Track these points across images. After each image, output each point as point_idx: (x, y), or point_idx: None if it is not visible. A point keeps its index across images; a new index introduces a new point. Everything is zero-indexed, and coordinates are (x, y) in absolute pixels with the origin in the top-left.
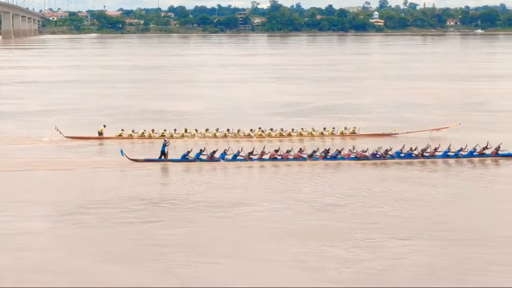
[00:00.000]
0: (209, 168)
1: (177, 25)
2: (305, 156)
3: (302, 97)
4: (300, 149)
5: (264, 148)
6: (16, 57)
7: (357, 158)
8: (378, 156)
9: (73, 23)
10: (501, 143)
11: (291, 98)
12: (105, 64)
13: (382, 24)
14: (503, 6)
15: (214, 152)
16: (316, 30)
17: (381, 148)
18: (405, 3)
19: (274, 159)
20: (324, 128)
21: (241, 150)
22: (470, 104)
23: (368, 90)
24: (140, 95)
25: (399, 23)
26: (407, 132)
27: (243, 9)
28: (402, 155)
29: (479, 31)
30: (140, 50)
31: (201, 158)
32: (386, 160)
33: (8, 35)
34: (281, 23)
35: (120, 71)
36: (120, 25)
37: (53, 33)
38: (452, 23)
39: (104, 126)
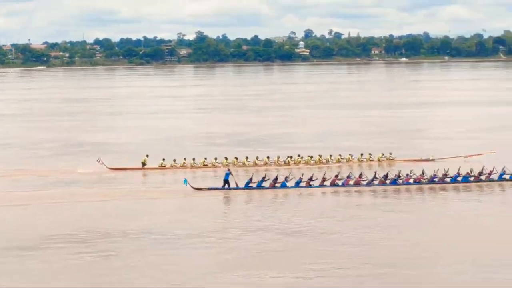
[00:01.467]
0: (272, 196)
1: (103, 57)
2: (365, 181)
3: (242, 127)
4: (360, 174)
5: (324, 174)
6: None
7: (416, 182)
8: (436, 180)
9: None
10: None
11: (232, 128)
12: (34, 97)
13: (307, 53)
14: (426, 35)
15: (276, 179)
16: (242, 60)
17: (438, 171)
18: (330, 33)
19: (335, 185)
20: (361, 154)
21: (302, 176)
22: (409, 131)
23: (305, 119)
24: (77, 128)
25: (324, 52)
26: (443, 158)
27: (169, 41)
28: (459, 179)
29: (404, 59)
30: (68, 83)
31: (263, 186)
32: (444, 184)
33: None
34: (207, 54)
35: (50, 104)
36: (45, 58)
37: None
38: (376, 51)
39: (147, 156)
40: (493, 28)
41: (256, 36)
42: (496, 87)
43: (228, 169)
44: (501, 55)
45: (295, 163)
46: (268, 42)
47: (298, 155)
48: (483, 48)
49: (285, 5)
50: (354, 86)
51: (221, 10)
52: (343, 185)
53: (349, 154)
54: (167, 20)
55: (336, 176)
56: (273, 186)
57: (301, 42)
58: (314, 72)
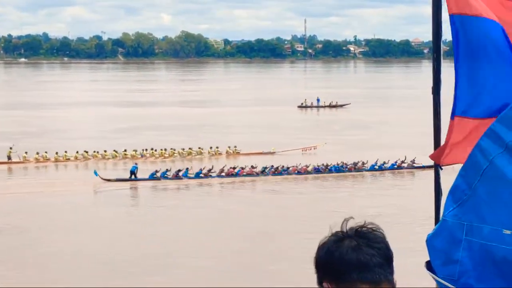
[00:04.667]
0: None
1: None
2: (257, 172)
3: None
4: (252, 166)
5: (224, 166)
6: None
7: (299, 173)
8: (320, 170)
9: None
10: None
11: None
12: None
13: None
14: (45, 35)
15: (179, 171)
16: None
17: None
18: None
19: (231, 175)
20: (211, 147)
21: (204, 168)
22: (56, 131)
23: None
24: None
25: None
26: (283, 151)
27: None
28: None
29: (23, 59)
30: None
31: (167, 177)
32: (325, 174)
33: None
34: None
35: None
36: None
37: None
38: None
39: (11, 148)
40: (112, 30)
41: None
42: (123, 89)
43: (136, 163)
44: (120, 57)
45: (151, 155)
46: None
47: (152, 148)
48: (103, 50)
49: None
50: None
51: None
52: (237, 175)
53: (199, 148)
54: None
55: (233, 168)
56: (176, 176)
57: None
58: None
